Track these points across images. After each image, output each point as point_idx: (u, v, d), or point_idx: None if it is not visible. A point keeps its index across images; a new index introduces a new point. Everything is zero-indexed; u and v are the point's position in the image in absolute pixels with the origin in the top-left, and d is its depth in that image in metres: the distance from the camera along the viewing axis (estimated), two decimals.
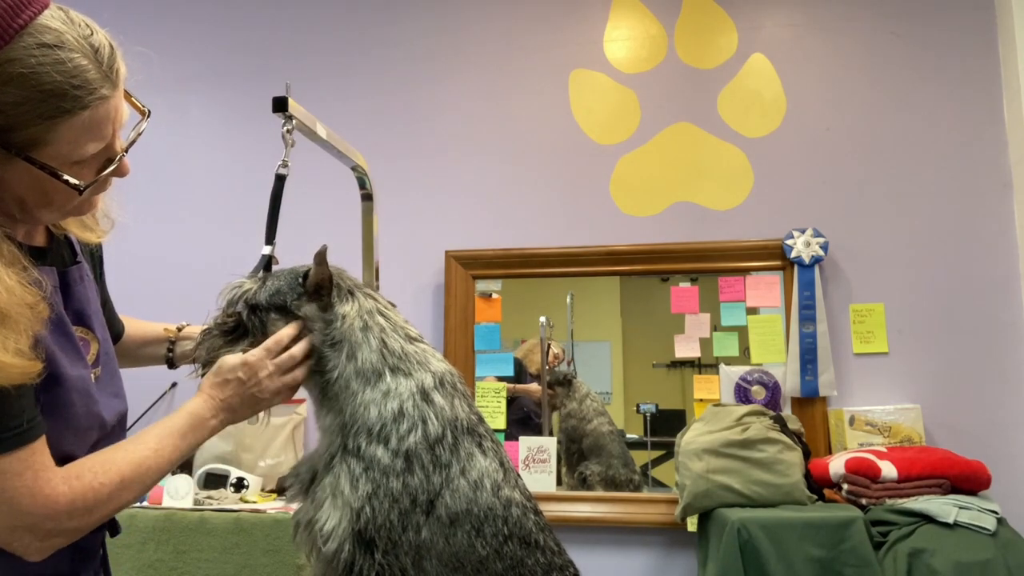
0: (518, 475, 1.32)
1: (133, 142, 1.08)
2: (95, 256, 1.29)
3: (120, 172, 1.07)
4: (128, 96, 1.07)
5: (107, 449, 1.08)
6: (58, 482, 0.99)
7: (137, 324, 1.49)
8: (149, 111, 1.10)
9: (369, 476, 1.19)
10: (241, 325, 1.32)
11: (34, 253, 1.09)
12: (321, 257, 1.28)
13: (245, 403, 1.22)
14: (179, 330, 1.49)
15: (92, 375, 1.12)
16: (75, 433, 1.06)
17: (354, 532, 1.18)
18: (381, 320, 1.31)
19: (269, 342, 1.26)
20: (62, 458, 1.03)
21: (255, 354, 1.24)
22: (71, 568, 1.11)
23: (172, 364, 1.49)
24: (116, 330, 1.41)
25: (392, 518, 1.18)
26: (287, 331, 1.27)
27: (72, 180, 1.00)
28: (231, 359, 1.23)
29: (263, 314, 1.31)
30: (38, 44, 0.93)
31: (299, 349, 1.27)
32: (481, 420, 1.32)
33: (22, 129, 0.94)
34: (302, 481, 1.27)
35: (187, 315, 1.56)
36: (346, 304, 1.30)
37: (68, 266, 1.15)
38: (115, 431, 1.16)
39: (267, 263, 1.45)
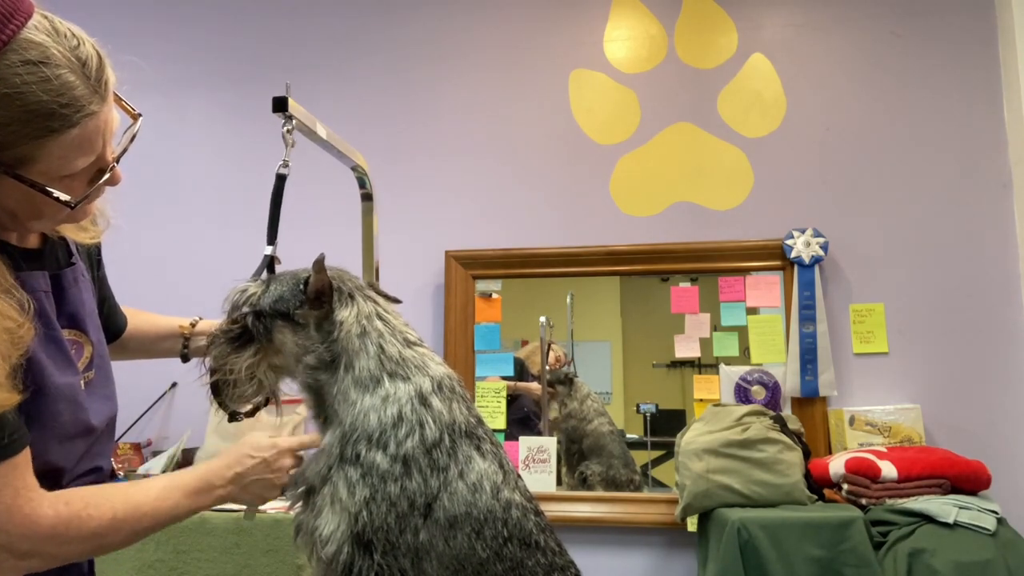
0: (518, 476, 1.32)
1: (126, 149, 1.06)
2: (92, 255, 1.28)
3: (112, 181, 1.05)
4: (118, 100, 1.06)
5: (108, 485, 1.07)
6: (43, 504, 0.97)
7: (151, 319, 1.49)
8: (140, 114, 1.09)
9: (367, 481, 1.20)
10: (247, 331, 1.32)
11: (28, 255, 1.08)
12: (319, 265, 1.28)
13: (259, 484, 1.24)
14: (193, 326, 1.50)
15: (83, 380, 1.11)
16: (60, 442, 1.05)
17: (352, 535, 1.18)
18: (380, 324, 1.31)
19: (305, 438, 1.30)
20: (48, 470, 1.02)
21: (289, 441, 1.27)
22: (60, 571, 1.10)
23: (186, 359, 1.50)
24: (118, 325, 1.41)
25: (389, 521, 1.18)
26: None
27: (62, 196, 0.98)
28: (265, 440, 1.26)
29: (267, 321, 1.31)
30: (23, 61, 0.90)
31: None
32: (480, 422, 1.32)
33: (9, 148, 0.92)
34: (300, 492, 1.28)
35: (187, 315, 1.56)
36: (345, 309, 1.30)
37: (62, 268, 1.14)
38: (104, 435, 1.15)
39: (269, 264, 1.45)
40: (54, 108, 0.92)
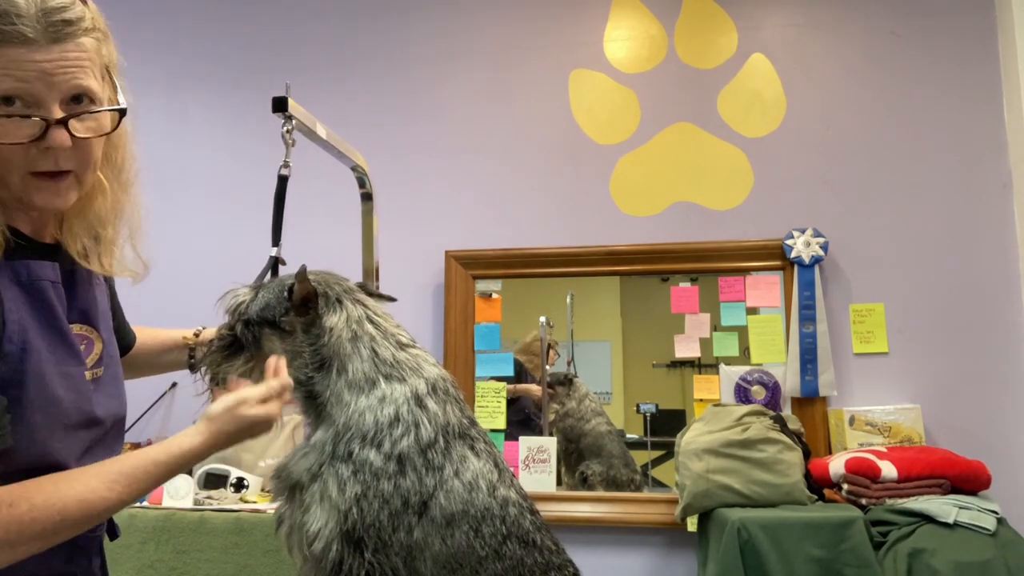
0: (513, 475, 1.32)
1: (79, 115, 0.99)
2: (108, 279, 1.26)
3: (50, 142, 0.97)
4: (112, 83, 1.04)
5: (57, 478, 1.00)
6: None
7: (154, 333, 1.48)
8: (124, 110, 1.06)
9: (358, 478, 1.20)
10: (237, 340, 1.33)
11: (41, 249, 1.07)
12: (302, 276, 1.28)
13: (241, 431, 1.16)
14: (196, 336, 1.50)
15: (91, 374, 1.10)
16: (64, 431, 1.03)
17: (342, 532, 1.18)
18: (371, 328, 1.32)
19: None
20: (50, 464, 1.01)
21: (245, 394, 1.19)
22: (65, 567, 1.09)
23: (194, 368, 1.49)
24: (127, 342, 1.39)
25: (382, 518, 1.18)
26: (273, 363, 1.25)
27: None
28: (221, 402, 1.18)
29: (256, 329, 1.33)
30: None
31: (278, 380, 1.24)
32: (473, 423, 1.32)
33: None
34: (282, 487, 1.28)
35: (188, 316, 1.56)
36: (333, 315, 1.31)
37: (77, 265, 1.12)
38: (111, 434, 1.14)
39: (274, 265, 1.46)
40: None
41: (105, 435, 1.12)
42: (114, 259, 1.17)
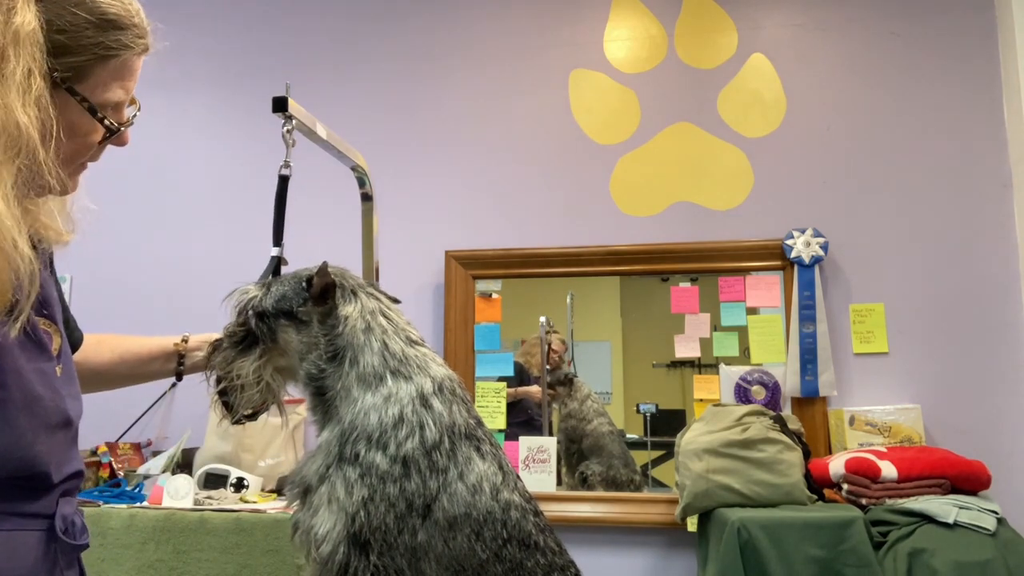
0: (517, 477, 1.32)
1: (131, 122, 1.06)
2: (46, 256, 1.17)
3: (121, 141, 1.04)
4: None
5: None
6: None
7: (136, 341, 1.43)
8: (140, 104, 1.08)
9: (365, 482, 1.20)
10: (251, 334, 1.33)
11: None
12: (323, 271, 1.30)
13: None
14: (185, 342, 1.46)
15: (57, 370, 1.03)
16: (47, 432, 0.98)
17: (349, 535, 1.18)
18: (383, 321, 1.33)
19: None
20: (36, 473, 0.96)
21: None
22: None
23: (180, 376, 1.46)
24: (74, 338, 1.30)
25: (388, 521, 1.19)
26: None
27: (107, 120, 0.98)
28: None
29: (271, 320, 1.32)
30: None
31: None
32: (480, 424, 1.32)
33: (75, 55, 0.93)
34: (297, 492, 1.28)
35: (189, 316, 1.56)
36: (349, 305, 1.32)
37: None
38: (75, 435, 1.08)
39: (276, 265, 1.46)
40: (127, 24, 0.96)
41: (74, 437, 1.07)
42: (54, 218, 1.10)
